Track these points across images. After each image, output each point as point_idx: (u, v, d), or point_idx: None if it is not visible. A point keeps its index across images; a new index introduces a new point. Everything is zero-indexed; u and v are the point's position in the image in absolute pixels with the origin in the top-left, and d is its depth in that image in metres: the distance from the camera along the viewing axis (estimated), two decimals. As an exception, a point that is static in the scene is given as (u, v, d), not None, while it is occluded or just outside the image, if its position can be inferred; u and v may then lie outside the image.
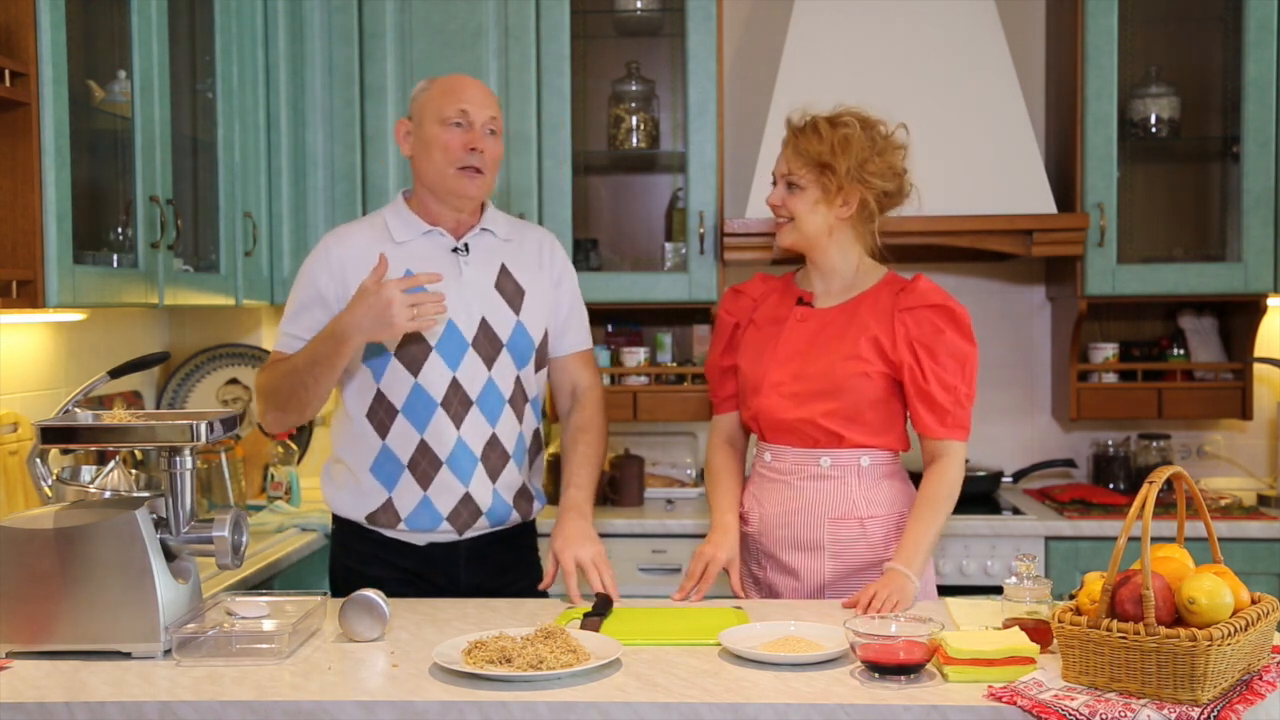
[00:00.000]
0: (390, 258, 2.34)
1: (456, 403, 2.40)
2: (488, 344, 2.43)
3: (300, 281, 2.46)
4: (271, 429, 2.47)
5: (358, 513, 2.45)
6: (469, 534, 2.46)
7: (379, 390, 2.41)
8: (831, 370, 2.38)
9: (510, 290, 2.48)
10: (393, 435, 2.41)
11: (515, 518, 2.51)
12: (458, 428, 2.40)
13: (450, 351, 2.39)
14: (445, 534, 2.45)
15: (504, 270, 2.48)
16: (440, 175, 2.39)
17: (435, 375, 2.39)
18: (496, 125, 2.43)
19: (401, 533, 2.45)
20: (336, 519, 2.52)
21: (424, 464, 2.41)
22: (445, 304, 2.24)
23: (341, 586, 2.46)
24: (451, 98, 2.39)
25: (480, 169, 2.39)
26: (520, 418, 2.49)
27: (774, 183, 2.45)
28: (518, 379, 2.48)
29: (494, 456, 2.45)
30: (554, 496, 3.49)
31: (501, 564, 2.53)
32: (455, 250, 2.44)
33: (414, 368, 2.39)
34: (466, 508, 2.43)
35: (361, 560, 2.47)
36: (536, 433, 2.57)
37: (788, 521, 2.42)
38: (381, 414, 2.41)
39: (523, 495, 2.52)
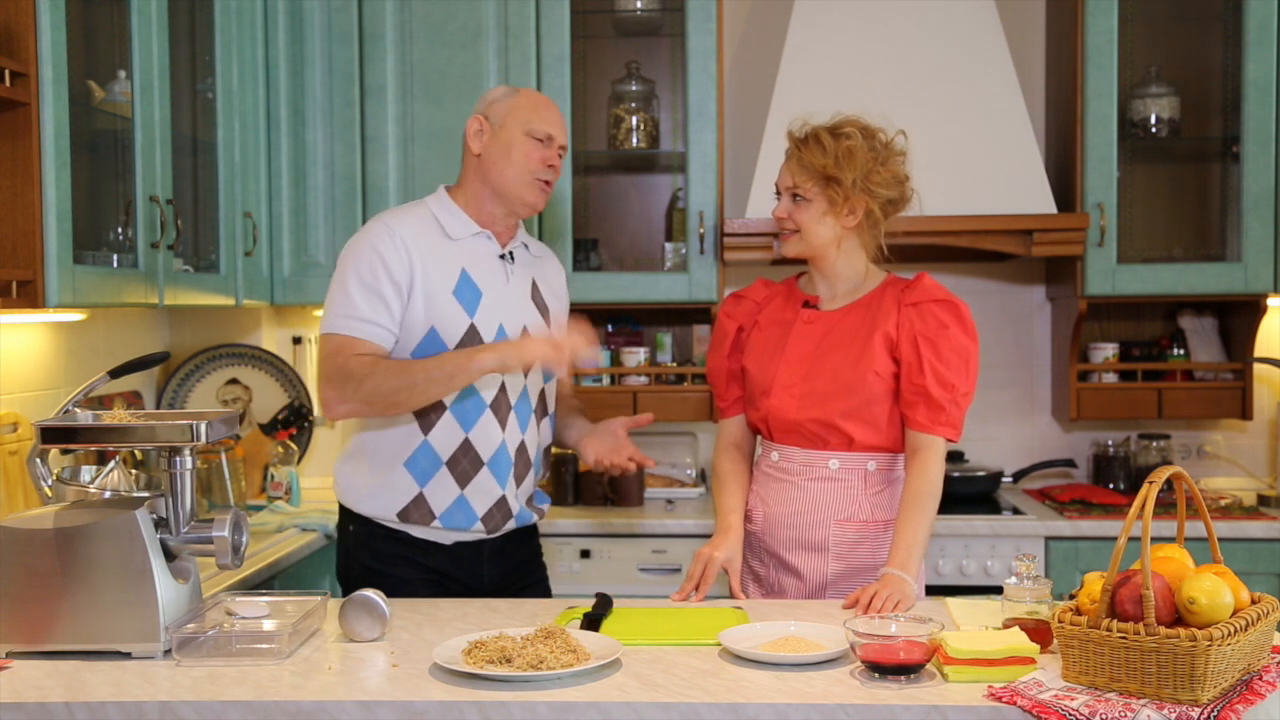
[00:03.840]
0: (445, 253, 2.42)
1: (503, 406, 2.43)
2: None
3: (361, 263, 2.36)
4: (339, 418, 2.42)
5: (387, 510, 2.44)
6: (495, 534, 2.49)
7: None
8: (842, 370, 2.39)
9: (540, 304, 2.54)
10: (436, 432, 2.41)
11: (533, 519, 2.58)
12: (502, 431, 2.43)
13: None
14: (474, 533, 2.47)
15: (534, 285, 2.55)
16: (516, 180, 2.44)
17: (488, 377, 2.40)
18: (564, 151, 2.51)
19: (432, 531, 2.45)
20: (356, 517, 2.49)
21: (465, 463, 2.42)
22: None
23: (359, 587, 2.41)
24: (541, 117, 2.45)
25: (550, 184, 2.47)
26: (539, 428, 2.53)
27: (777, 195, 2.46)
28: (542, 391, 2.53)
29: (522, 463, 2.49)
30: (556, 497, 3.54)
31: (519, 559, 2.57)
32: (502, 257, 2.49)
33: None
34: (500, 510, 2.46)
35: (384, 560, 2.46)
36: (549, 448, 2.62)
37: (792, 521, 2.43)
38: (428, 409, 2.40)
39: (532, 500, 2.58)
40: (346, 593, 2.49)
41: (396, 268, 2.36)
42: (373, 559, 2.47)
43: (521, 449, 2.48)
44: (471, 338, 2.39)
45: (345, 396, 2.32)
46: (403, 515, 2.43)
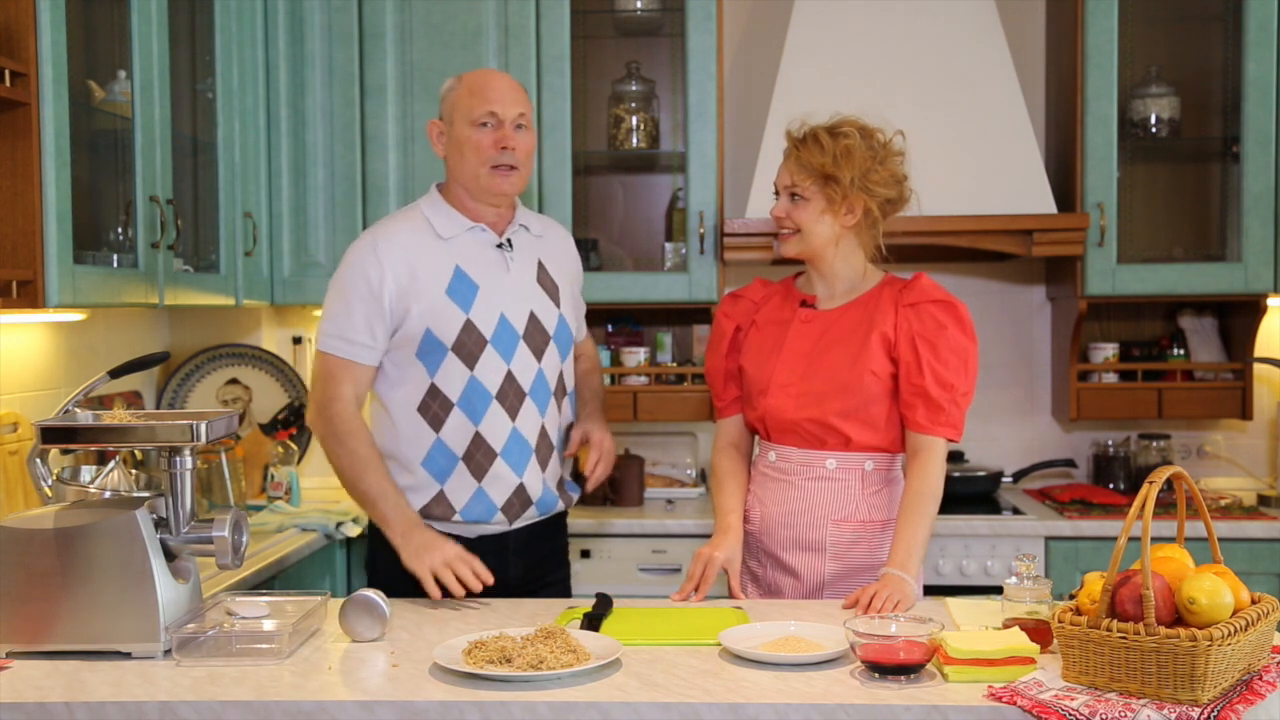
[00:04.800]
0: (438, 254, 2.42)
1: (511, 395, 2.44)
2: (538, 336, 2.48)
3: (345, 281, 2.41)
4: None
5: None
6: (517, 524, 2.50)
7: (433, 384, 2.42)
8: (839, 370, 2.39)
9: (549, 285, 2.54)
10: (447, 429, 2.42)
11: (560, 506, 2.58)
12: (512, 420, 2.44)
13: (504, 345, 2.43)
14: (497, 525, 2.48)
15: (541, 266, 2.54)
16: (474, 175, 2.42)
17: (491, 369, 2.42)
18: (526, 120, 2.45)
19: (455, 525, 2.46)
20: None
21: (478, 456, 2.43)
22: (476, 585, 2.29)
23: (384, 582, 2.40)
24: (479, 99, 2.41)
25: (514, 165, 2.43)
26: (560, 409, 2.55)
27: (776, 194, 2.46)
28: (560, 372, 2.54)
29: (544, 447, 2.50)
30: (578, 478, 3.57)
31: (543, 553, 2.59)
32: (499, 246, 2.48)
33: (470, 362, 2.41)
34: (519, 498, 2.47)
35: None
36: (570, 426, 2.63)
37: (789, 521, 2.43)
38: (435, 408, 2.42)
39: (562, 485, 2.59)
40: (372, 585, 2.48)
41: (379, 285, 2.38)
42: (398, 553, 2.46)
43: (543, 434, 2.49)
44: (468, 332, 2.40)
45: (317, 430, 2.44)
46: (425, 512, 2.45)
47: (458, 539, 2.46)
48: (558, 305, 2.53)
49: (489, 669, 1.81)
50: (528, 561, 2.54)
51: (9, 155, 2.39)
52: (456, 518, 2.45)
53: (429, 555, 2.29)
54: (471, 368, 2.41)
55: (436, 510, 2.45)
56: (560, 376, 2.54)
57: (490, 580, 2.29)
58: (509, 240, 2.50)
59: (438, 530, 2.46)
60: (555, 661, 1.82)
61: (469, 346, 2.40)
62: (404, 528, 2.34)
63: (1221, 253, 3.60)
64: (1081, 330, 3.61)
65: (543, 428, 2.49)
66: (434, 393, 2.42)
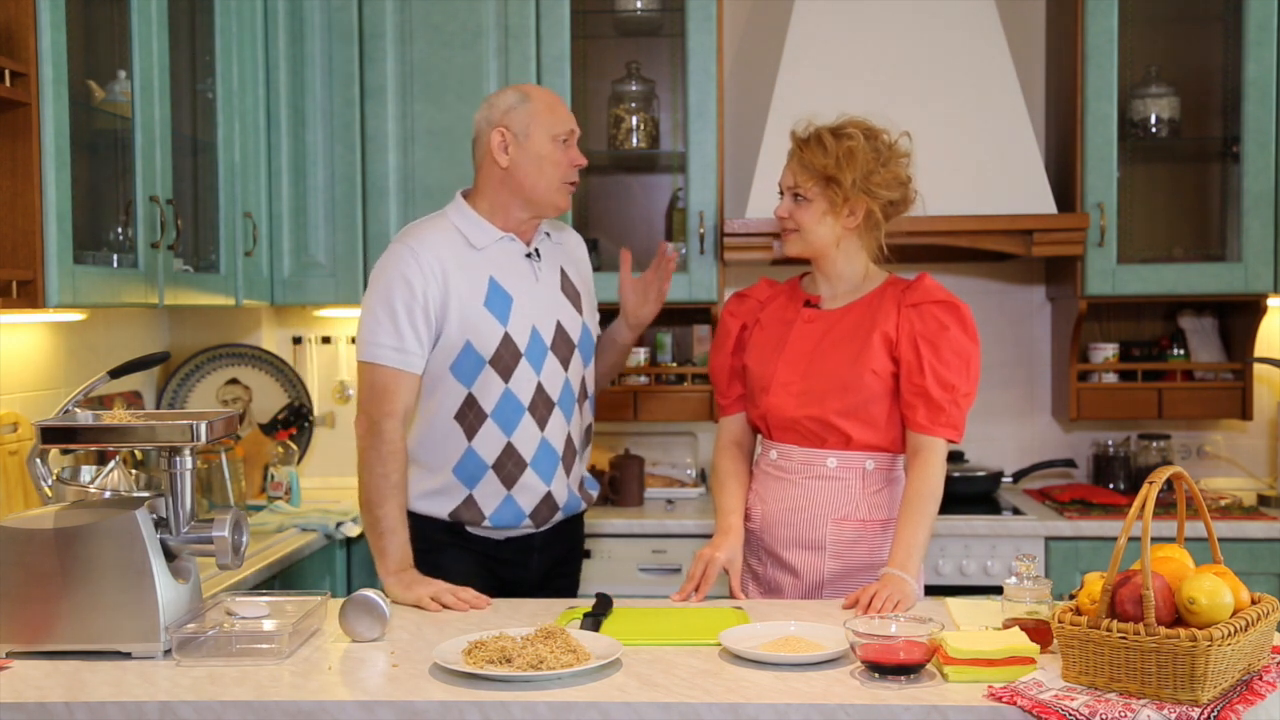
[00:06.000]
0: (472, 264, 2.44)
1: (541, 406, 2.47)
2: (564, 346, 2.51)
3: (389, 289, 2.40)
4: None
5: (440, 511, 2.49)
6: (544, 527, 2.54)
7: (470, 394, 2.45)
8: (841, 369, 2.39)
9: (571, 292, 2.58)
10: (479, 438, 2.45)
11: (582, 506, 2.63)
12: (542, 430, 2.48)
13: (535, 357, 2.46)
14: (525, 529, 2.52)
15: (563, 273, 2.58)
16: (549, 188, 2.46)
17: (524, 380, 2.45)
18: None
19: (484, 529, 2.51)
20: (410, 513, 2.49)
21: (509, 465, 2.46)
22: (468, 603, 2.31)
23: None
24: (560, 118, 2.48)
25: (576, 183, 2.51)
26: (583, 413, 2.58)
27: (780, 194, 2.46)
28: (583, 377, 2.57)
29: (569, 454, 2.53)
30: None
31: (567, 547, 2.64)
32: (528, 256, 2.52)
33: (506, 375, 2.44)
34: (546, 504, 2.51)
35: (434, 547, 2.48)
36: (590, 426, 2.66)
37: (790, 520, 2.43)
38: (471, 418, 2.45)
39: (583, 485, 2.63)
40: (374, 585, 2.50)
41: (423, 292, 2.39)
42: (422, 543, 2.47)
43: (568, 441, 2.53)
44: (505, 345, 2.43)
45: (363, 441, 2.41)
46: (454, 516, 2.48)
47: (486, 541, 2.51)
48: (580, 313, 2.57)
49: (489, 669, 1.81)
50: (552, 557, 2.59)
51: (9, 155, 2.39)
52: (486, 523, 2.48)
53: (419, 587, 2.32)
54: (507, 380, 2.44)
55: (466, 515, 2.48)
56: (583, 382, 2.58)
57: (485, 605, 2.30)
58: (537, 250, 2.53)
59: (469, 533, 2.51)
60: (555, 661, 1.83)
61: (505, 359, 2.44)
62: (398, 566, 2.37)
63: (1221, 253, 3.60)
64: (1081, 330, 3.61)
65: (568, 435, 2.52)
66: (470, 403, 2.45)
